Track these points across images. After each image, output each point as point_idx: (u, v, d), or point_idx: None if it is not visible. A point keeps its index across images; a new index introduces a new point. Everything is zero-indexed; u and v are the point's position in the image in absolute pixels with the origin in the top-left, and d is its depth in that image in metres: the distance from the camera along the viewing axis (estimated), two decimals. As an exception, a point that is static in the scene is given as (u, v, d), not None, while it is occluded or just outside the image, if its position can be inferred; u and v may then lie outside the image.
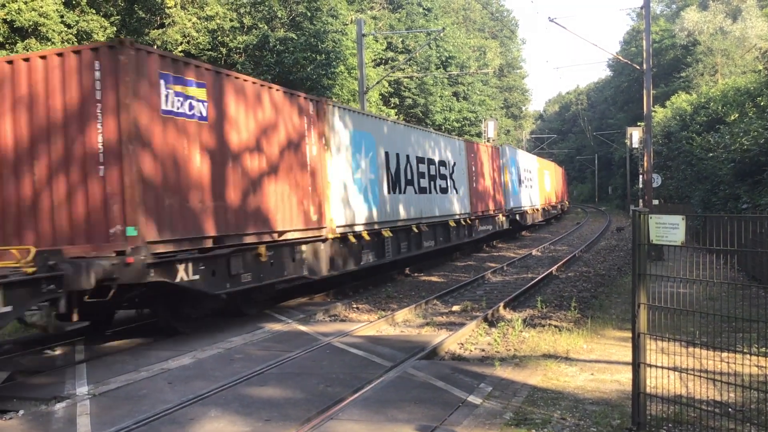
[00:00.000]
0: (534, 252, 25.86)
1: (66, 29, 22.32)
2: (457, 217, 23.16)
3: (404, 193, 18.72)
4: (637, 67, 25.36)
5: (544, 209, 42.35)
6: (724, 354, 7.66)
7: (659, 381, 5.92)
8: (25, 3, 20.80)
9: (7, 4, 20.57)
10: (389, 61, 44.14)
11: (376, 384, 7.79)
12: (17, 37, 21.30)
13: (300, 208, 13.39)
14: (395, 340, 10.54)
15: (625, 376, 7.52)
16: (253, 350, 9.80)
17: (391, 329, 11.61)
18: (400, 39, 45.10)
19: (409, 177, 19.19)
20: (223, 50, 28.93)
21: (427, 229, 20.13)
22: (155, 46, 25.88)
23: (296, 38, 29.27)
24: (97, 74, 9.42)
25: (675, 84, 53.98)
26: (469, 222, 24.37)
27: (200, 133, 10.62)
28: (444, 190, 22.15)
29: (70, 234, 9.45)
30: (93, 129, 9.40)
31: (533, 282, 16.54)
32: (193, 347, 10.01)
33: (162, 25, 27.42)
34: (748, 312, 7.51)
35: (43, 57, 9.71)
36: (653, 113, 34.31)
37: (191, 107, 10.47)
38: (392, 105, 44.67)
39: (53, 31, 21.42)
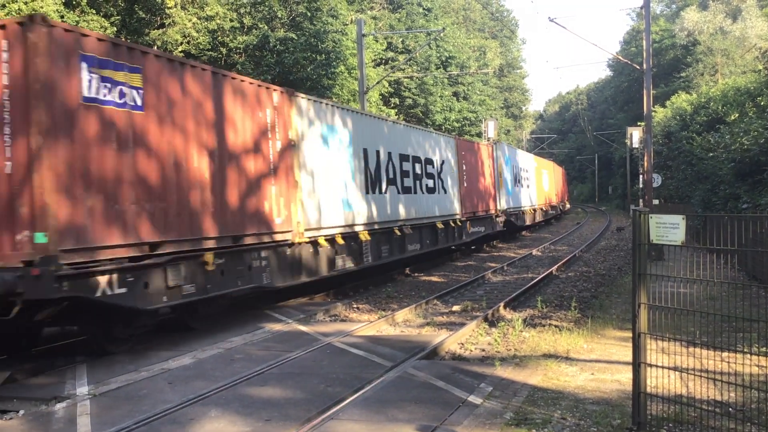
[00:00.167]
0: (534, 252, 25.87)
1: (66, 29, 22.29)
2: (446, 218, 22.03)
3: (385, 193, 17.59)
4: (637, 67, 25.37)
5: (542, 209, 42.18)
6: (725, 354, 7.66)
7: (660, 381, 5.92)
8: (26, 3, 20.80)
9: (7, 5, 20.57)
10: (389, 61, 44.15)
11: (376, 384, 7.79)
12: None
13: (260, 209, 12.07)
14: (395, 340, 10.54)
15: (626, 376, 7.52)
16: (253, 350, 9.79)
17: (391, 329, 11.61)
18: (400, 39, 45.11)
19: (391, 176, 18.05)
20: (223, 50, 28.95)
21: (412, 232, 19.05)
22: (155, 47, 25.91)
23: (296, 38, 29.29)
24: (5, 55, 8.18)
25: (675, 84, 54.00)
26: (459, 223, 23.27)
27: (133, 125, 9.29)
28: (431, 190, 20.97)
29: None
30: None
31: (533, 282, 16.54)
32: (194, 347, 10.00)
33: (162, 26, 27.43)
34: (749, 312, 7.50)
35: None
36: (653, 113, 34.31)
37: (122, 95, 9.14)
38: (392, 105, 44.69)
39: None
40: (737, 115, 30.35)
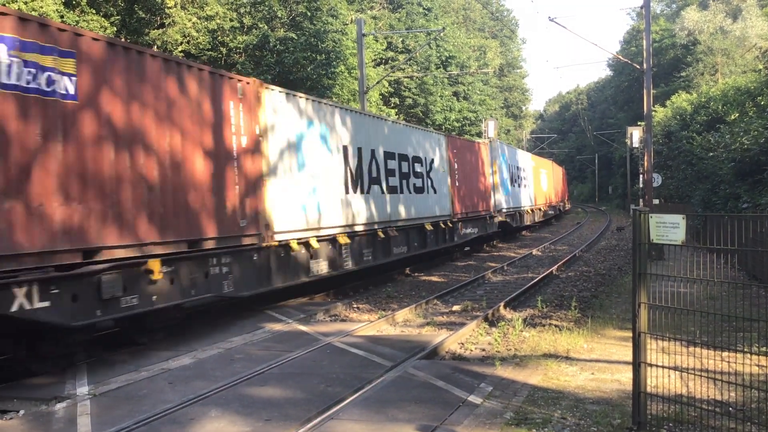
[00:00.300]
0: (534, 252, 25.87)
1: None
2: (436, 219, 20.97)
3: (368, 192, 16.57)
4: (637, 66, 25.36)
5: (542, 209, 42.06)
6: (725, 353, 7.67)
7: (660, 380, 5.92)
8: (26, 3, 20.81)
9: (7, 5, 20.57)
10: (389, 61, 44.17)
11: (376, 384, 7.79)
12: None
13: (220, 211, 11.14)
14: (395, 339, 10.54)
15: (626, 376, 7.52)
16: (253, 350, 9.80)
17: (391, 329, 11.61)
18: (400, 39, 45.12)
19: (374, 174, 17.05)
20: (223, 50, 28.95)
21: (398, 234, 18.03)
22: (155, 47, 25.93)
23: (296, 38, 29.30)
24: None
25: (675, 83, 54.01)
26: (451, 225, 22.21)
27: (63, 116, 8.38)
28: (419, 190, 19.86)
29: None
30: None
31: (533, 282, 16.54)
32: (194, 347, 10.01)
33: (162, 25, 27.44)
34: (749, 311, 7.50)
35: None
36: (653, 113, 34.33)
37: (50, 81, 8.22)
38: (392, 105, 44.71)
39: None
40: (737, 114, 30.37)
